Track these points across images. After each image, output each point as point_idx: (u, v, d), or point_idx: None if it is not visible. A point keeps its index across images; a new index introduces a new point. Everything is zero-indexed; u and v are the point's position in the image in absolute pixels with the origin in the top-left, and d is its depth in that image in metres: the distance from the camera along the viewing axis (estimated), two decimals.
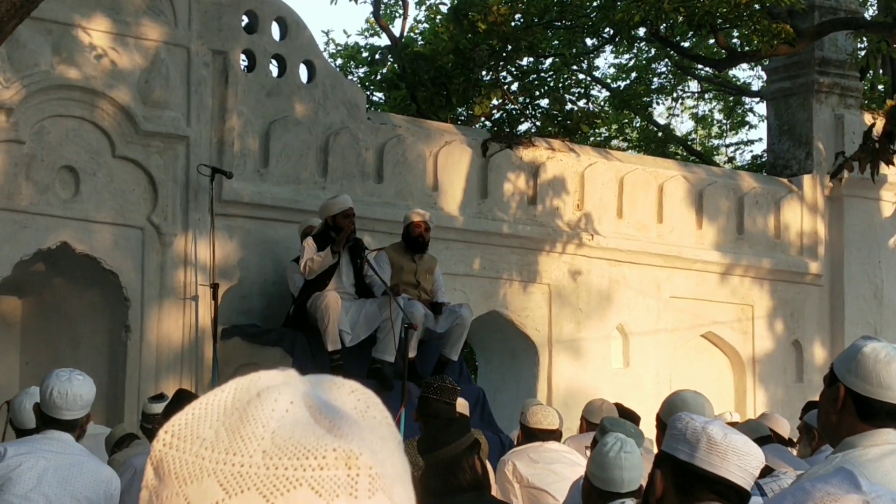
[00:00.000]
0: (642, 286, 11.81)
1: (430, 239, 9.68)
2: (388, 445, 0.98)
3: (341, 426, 0.96)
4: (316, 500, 0.93)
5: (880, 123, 8.97)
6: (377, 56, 17.63)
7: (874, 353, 3.08)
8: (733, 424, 9.72)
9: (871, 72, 14.61)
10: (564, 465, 6.40)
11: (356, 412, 1.00)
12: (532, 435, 6.69)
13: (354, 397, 1.01)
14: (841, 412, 3.12)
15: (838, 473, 1.24)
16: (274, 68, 10.41)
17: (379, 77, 17.96)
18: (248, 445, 0.94)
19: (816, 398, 3.77)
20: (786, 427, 9.01)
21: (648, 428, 6.46)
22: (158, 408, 6.83)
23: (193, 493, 0.94)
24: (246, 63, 10.27)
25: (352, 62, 20.32)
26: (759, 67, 18.09)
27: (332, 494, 0.93)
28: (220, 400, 0.98)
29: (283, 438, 0.94)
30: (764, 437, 6.48)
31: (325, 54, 13.85)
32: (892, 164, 7.67)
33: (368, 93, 17.34)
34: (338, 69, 15.58)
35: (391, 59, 16.35)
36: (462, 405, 6.70)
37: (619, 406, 8.22)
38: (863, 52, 12.76)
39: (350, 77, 18.40)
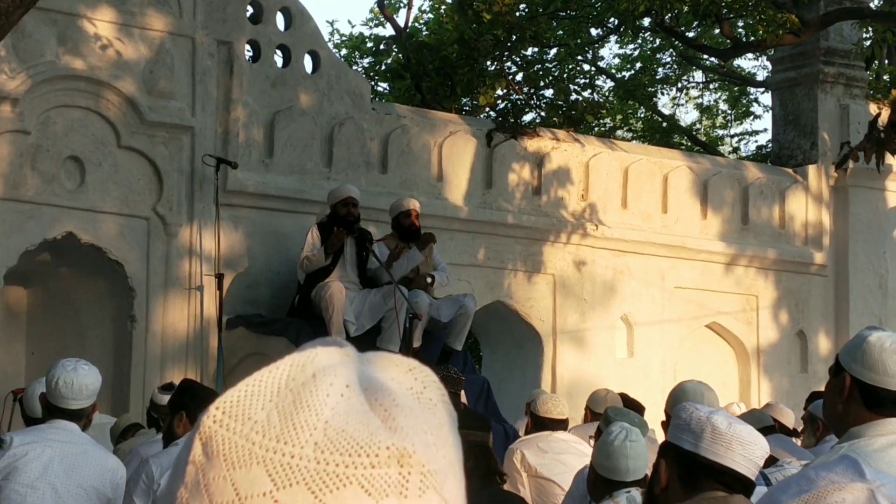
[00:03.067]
0: (647, 276, 11.81)
1: (421, 225, 9.68)
2: (443, 432, 0.96)
3: (397, 416, 0.93)
4: (365, 500, 0.90)
5: (885, 113, 8.96)
6: (382, 46, 17.63)
7: (880, 343, 3.09)
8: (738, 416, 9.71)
9: (876, 61, 14.58)
10: (573, 455, 6.40)
11: (412, 394, 0.97)
12: (541, 424, 6.69)
13: (412, 376, 0.98)
14: (847, 402, 3.12)
15: (842, 461, 1.24)
16: (279, 58, 10.41)
17: (383, 67, 17.94)
18: (301, 435, 0.92)
19: (821, 388, 3.77)
20: (790, 417, 9.01)
21: (653, 418, 6.46)
22: (167, 398, 6.85)
23: (241, 480, 0.92)
24: (251, 53, 10.26)
25: (356, 52, 20.30)
26: (765, 57, 18.05)
27: (382, 494, 0.91)
28: (274, 378, 0.94)
29: (335, 431, 0.92)
30: (767, 426, 6.49)
31: (330, 44, 13.84)
32: None
33: (373, 83, 17.33)
34: (342, 59, 15.57)
35: (396, 50, 16.34)
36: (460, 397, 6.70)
37: (623, 396, 8.23)
38: (868, 42, 12.74)
39: (355, 67, 18.38)
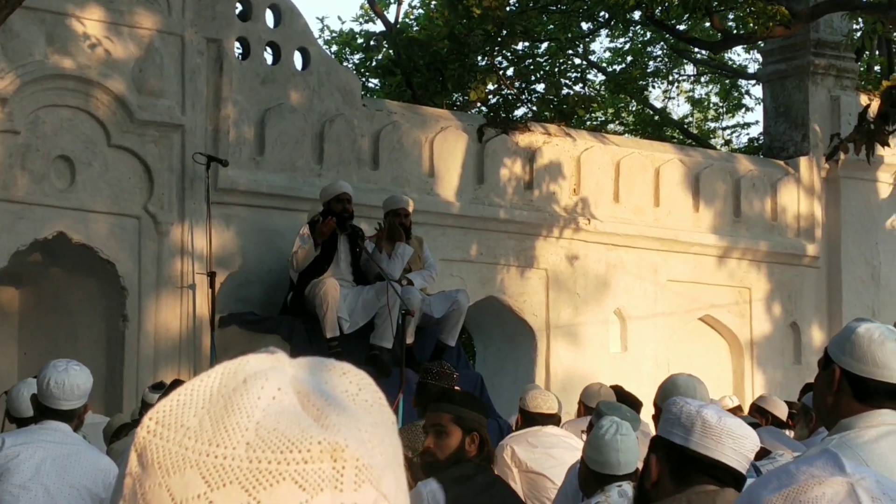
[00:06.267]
0: (639, 270, 11.82)
1: (411, 223, 9.68)
2: (379, 431, 0.96)
3: (329, 414, 0.94)
4: (299, 495, 0.91)
5: (876, 104, 8.95)
6: (372, 42, 17.61)
7: (868, 334, 3.09)
8: (732, 410, 9.74)
9: (866, 53, 14.59)
10: (563, 449, 6.40)
11: (347, 395, 0.98)
12: (531, 419, 6.69)
13: (346, 379, 0.99)
14: (837, 394, 3.13)
15: (823, 455, 1.24)
16: (268, 56, 10.40)
17: (374, 63, 17.94)
18: (232, 437, 0.93)
19: (814, 380, 3.76)
20: (783, 409, 9.02)
21: (648, 411, 6.46)
22: (158, 397, 6.84)
23: (176, 485, 0.93)
24: (240, 51, 10.25)
25: (347, 49, 20.29)
26: (755, 50, 18.06)
27: (316, 488, 0.92)
28: (206, 386, 0.96)
29: (267, 430, 0.92)
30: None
31: (320, 41, 13.83)
32: (888, 145, 7.66)
33: (364, 79, 17.34)
34: (332, 56, 15.55)
35: (386, 46, 16.32)
36: None
37: (618, 390, 8.23)
38: (858, 34, 12.75)
39: (345, 64, 18.37)
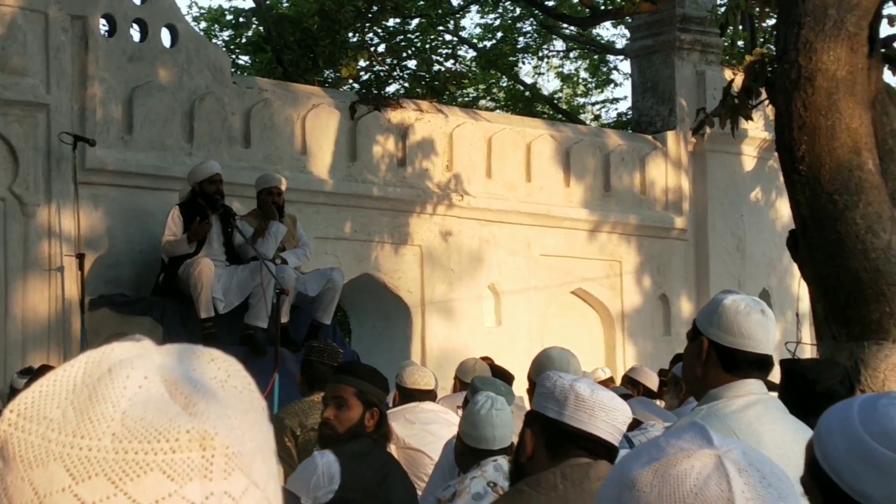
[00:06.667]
0: (512, 245, 11.93)
1: (284, 202, 9.60)
2: (249, 417, 0.95)
3: (198, 402, 0.92)
4: (168, 485, 0.90)
5: (739, 79, 9.14)
6: (241, 19, 17.39)
7: (735, 305, 3.17)
8: (604, 382, 9.92)
9: (730, 28, 14.90)
10: (440, 425, 6.44)
11: (216, 382, 0.96)
12: (408, 395, 6.72)
13: (214, 366, 0.98)
14: (705, 365, 3.21)
15: (691, 428, 1.27)
16: (135, 33, 10.19)
17: (244, 40, 17.71)
18: (98, 428, 0.91)
19: (683, 351, 3.86)
20: (654, 380, 9.22)
21: (521, 385, 6.54)
22: (25, 382, 6.70)
23: (39, 479, 0.90)
24: (106, 28, 10.02)
25: (216, 25, 20.00)
26: (623, 26, 18.31)
27: (185, 478, 0.90)
28: (69, 376, 0.94)
29: (133, 420, 0.91)
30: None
31: (188, 17, 13.58)
32: (751, 119, 7.84)
33: (233, 56, 17.11)
34: (201, 33, 15.31)
35: (256, 22, 16.14)
36: None
37: (491, 364, 8.31)
38: (722, 9, 13.00)
39: (214, 41, 18.10)
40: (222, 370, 0.98)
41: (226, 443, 0.92)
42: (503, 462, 4.38)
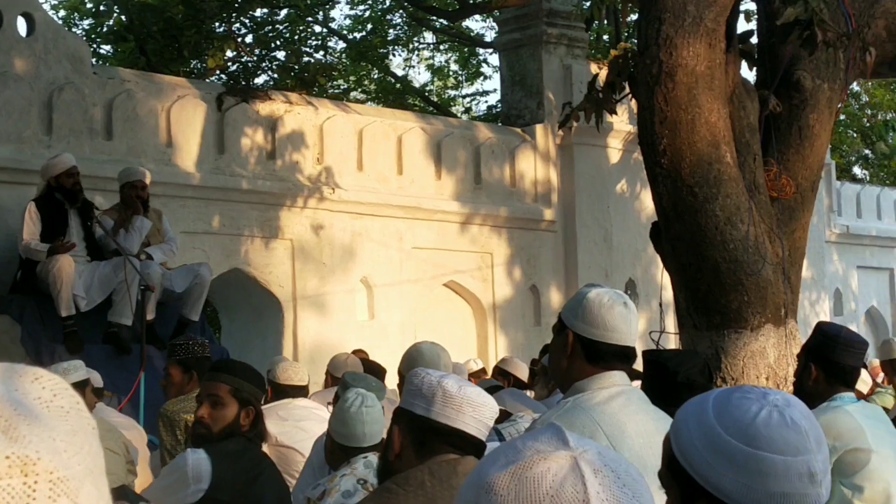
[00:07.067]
0: (384, 238, 11.90)
1: (149, 196, 9.39)
2: (77, 439, 0.90)
3: (19, 425, 0.87)
4: None
5: (604, 73, 9.25)
6: (102, 7, 16.99)
7: (598, 299, 3.19)
8: (476, 373, 9.95)
9: (596, 22, 15.07)
10: (313, 421, 6.38)
11: (41, 403, 0.91)
12: (281, 392, 6.64)
13: (39, 385, 0.92)
14: (570, 357, 3.22)
15: (548, 430, 1.26)
16: None
17: (105, 29, 17.32)
18: None
19: (549, 344, 3.87)
20: (524, 371, 9.28)
21: (394, 379, 6.52)
22: None
23: None
24: None
25: (75, 14, 19.51)
26: (491, 19, 18.42)
27: None
28: None
29: None
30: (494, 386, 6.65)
31: (46, 6, 13.24)
32: (616, 113, 7.94)
33: (94, 46, 16.72)
34: (60, 21, 14.93)
35: (117, 11, 15.79)
36: None
37: (364, 359, 8.27)
38: (588, 4, 13.14)
39: (74, 29, 17.66)
40: (47, 389, 0.92)
41: (49, 468, 0.87)
42: (373, 459, 4.34)
